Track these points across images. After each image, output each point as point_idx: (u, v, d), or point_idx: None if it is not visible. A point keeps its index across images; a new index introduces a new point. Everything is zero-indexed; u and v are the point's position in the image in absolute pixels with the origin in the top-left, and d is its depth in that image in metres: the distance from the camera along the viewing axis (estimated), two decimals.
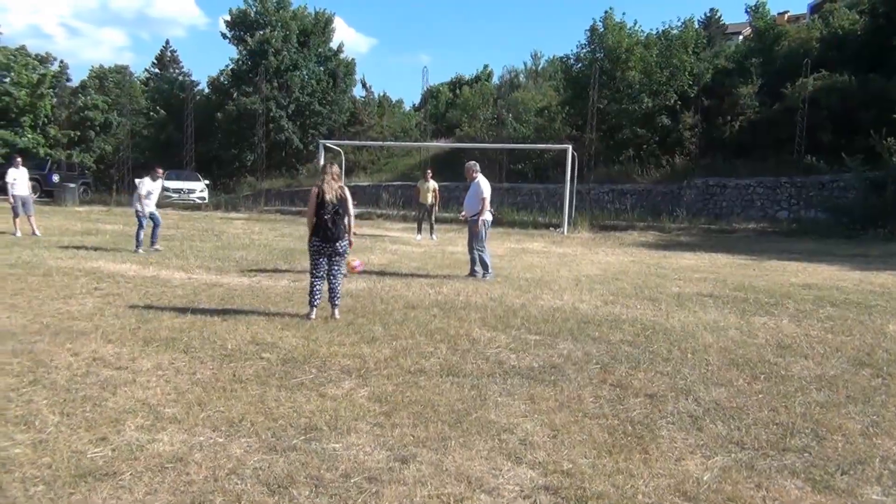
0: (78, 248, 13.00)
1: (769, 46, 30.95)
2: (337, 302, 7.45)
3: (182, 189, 31.13)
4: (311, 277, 7.35)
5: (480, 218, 10.78)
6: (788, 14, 45.81)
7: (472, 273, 10.88)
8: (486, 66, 54.11)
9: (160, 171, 13.50)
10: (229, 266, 11.28)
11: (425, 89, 39.78)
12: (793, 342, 6.75)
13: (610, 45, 30.18)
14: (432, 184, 17.89)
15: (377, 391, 4.95)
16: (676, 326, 7.40)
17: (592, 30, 31.38)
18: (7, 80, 44.29)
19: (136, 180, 13.54)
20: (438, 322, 7.32)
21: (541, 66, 46.83)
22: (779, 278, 11.36)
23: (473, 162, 11.43)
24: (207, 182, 34.06)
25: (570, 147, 21.53)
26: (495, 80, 50.17)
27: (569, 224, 20.91)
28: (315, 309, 7.34)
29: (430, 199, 17.91)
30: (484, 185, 10.94)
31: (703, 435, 4.28)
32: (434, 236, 17.80)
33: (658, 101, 29.07)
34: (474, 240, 10.87)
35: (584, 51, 31.97)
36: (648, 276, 11.45)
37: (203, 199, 31.28)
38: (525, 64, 48.45)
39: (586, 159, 26.77)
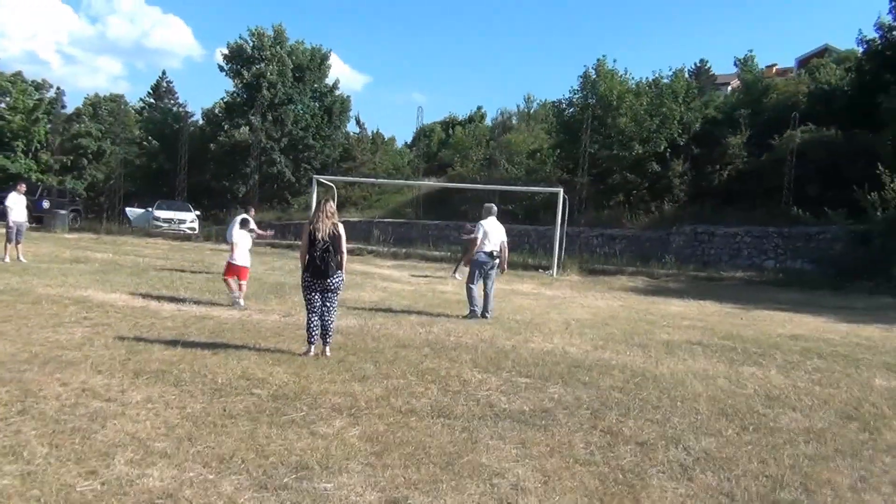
0: (67, 275, 12.93)
1: (758, 98, 31.60)
2: (329, 339, 7.44)
3: (173, 219, 31.13)
4: (307, 313, 7.35)
5: (473, 258, 11.02)
6: (777, 67, 46.69)
7: (471, 313, 10.94)
8: (479, 108, 54.98)
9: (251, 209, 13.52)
10: (220, 298, 11.25)
11: (419, 128, 40.19)
12: (781, 393, 6.79)
13: (602, 92, 30.70)
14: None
15: (368, 431, 4.94)
16: (666, 374, 7.43)
17: (585, 76, 31.95)
18: (2, 104, 44.36)
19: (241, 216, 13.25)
20: (429, 362, 7.33)
21: (533, 110, 47.40)
22: (766, 328, 11.44)
23: (490, 204, 11.55)
24: (198, 213, 34.08)
25: (561, 190, 21.73)
26: (488, 121, 50.76)
27: (558, 267, 21.00)
28: (312, 346, 7.33)
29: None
30: (485, 224, 11.08)
31: (694, 485, 4.29)
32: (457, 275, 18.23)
33: (648, 147, 29.49)
34: (468, 280, 11.06)
35: (577, 96, 32.52)
36: (638, 322, 11.51)
37: (193, 229, 31.28)
38: (518, 106, 49.06)
39: (577, 203, 27.04)
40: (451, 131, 49.82)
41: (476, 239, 11.04)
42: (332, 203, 7.60)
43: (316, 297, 7.30)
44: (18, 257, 14.96)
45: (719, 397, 6.49)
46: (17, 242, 15.13)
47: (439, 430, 5.07)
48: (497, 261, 11.20)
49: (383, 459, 4.40)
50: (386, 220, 34.14)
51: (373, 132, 50.82)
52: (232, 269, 11.03)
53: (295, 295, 12.16)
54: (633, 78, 31.91)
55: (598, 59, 32.06)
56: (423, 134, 48.24)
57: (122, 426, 4.73)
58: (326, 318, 7.37)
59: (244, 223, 11.60)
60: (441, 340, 8.68)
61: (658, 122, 29.58)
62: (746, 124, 29.32)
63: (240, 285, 10.99)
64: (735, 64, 39.66)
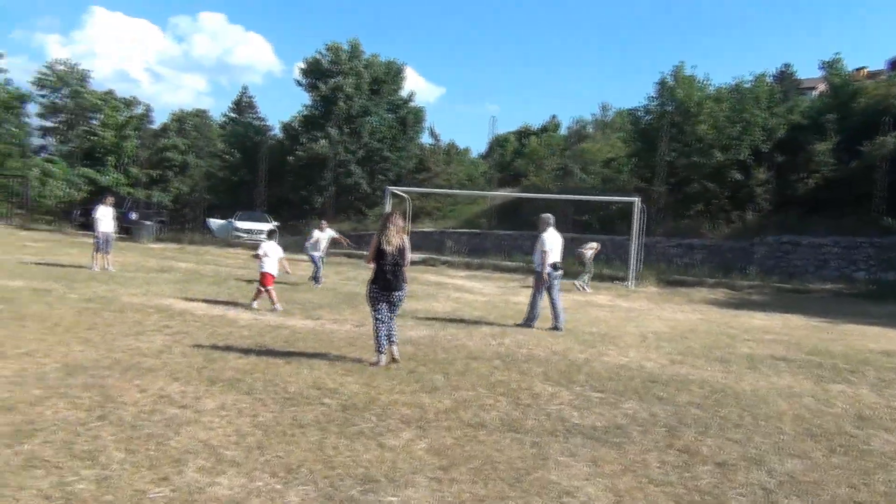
0: (150, 284, 13.38)
1: (846, 102, 30.19)
2: (394, 340, 7.50)
3: (252, 230, 31.92)
4: (376, 323, 7.39)
5: (543, 271, 10.87)
6: (866, 70, 44.62)
7: (526, 322, 10.96)
8: (553, 117, 54.34)
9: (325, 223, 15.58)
10: (294, 308, 11.43)
11: (492, 138, 40.13)
12: (873, 413, 6.40)
13: (680, 99, 29.96)
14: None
15: (436, 444, 4.88)
16: (748, 390, 7.12)
17: (662, 83, 31.26)
18: (96, 121, 46.66)
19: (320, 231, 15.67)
20: (500, 374, 7.23)
21: (609, 118, 46.71)
22: (857, 343, 10.87)
23: (547, 215, 11.37)
24: (277, 223, 34.86)
25: (637, 199, 21.30)
26: (563, 130, 50.26)
27: (635, 278, 20.55)
28: (383, 355, 7.34)
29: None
30: (548, 238, 10.93)
31: None
32: (585, 288, 18.66)
33: (729, 155, 28.57)
34: (535, 290, 11.00)
35: (654, 103, 31.84)
36: (718, 336, 11.11)
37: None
38: (593, 115, 48.45)
39: (654, 212, 26.41)
40: (524, 141, 49.58)
41: (546, 252, 10.86)
42: (400, 217, 7.67)
43: (384, 307, 7.37)
44: (106, 267, 15.57)
45: (805, 416, 6.16)
46: (106, 252, 15.75)
47: (508, 444, 4.97)
48: (560, 271, 11.17)
49: (450, 474, 4.33)
50: (459, 230, 34.14)
51: (447, 143, 51.08)
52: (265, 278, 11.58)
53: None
54: (712, 84, 31.06)
55: (675, 66, 31.37)
56: (496, 144, 48.17)
57: (195, 433, 4.80)
58: (391, 326, 7.45)
59: (271, 234, 12.56)
60: (512, 353, 8.56)
61: (740, 128, 28.66)
62: (834, 130, 28.06)
63: (258, 291, 11.56)
64: (821, 67, 38.01)
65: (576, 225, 30.28)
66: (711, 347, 9.82)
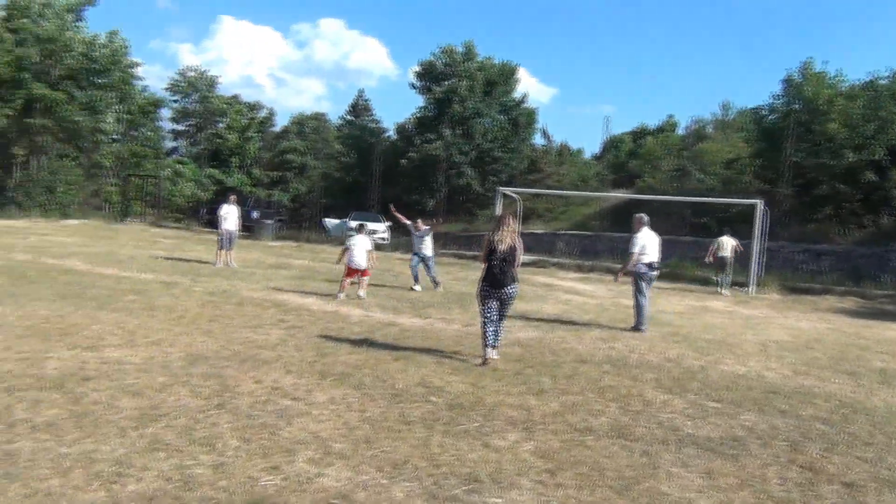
0: (269, 280, 13.91)
1: None
2: (497, 343, 7.52)
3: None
4: (484, 320, 7.42)
5: (634, 270, 10.85)
6: None
7: (636, 325, 10.76)
8: (670, 117, 52.72)
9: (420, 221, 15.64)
10: (404, 307, 11.58)
11: (606, 138, 39.39)
12: None
13: (808, 97, 28.42)
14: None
15: (542, 447, 4.80)
16: (880, 407, 6.62)
17: (788, 80, 29.76)
18: (222, 124, 49.17)
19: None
20: (610, 379, 7.05)
21: (730, 118, 44.81)
22: None
23: (641, 214, 11.27)
24: (389, 224, 35.52)
25: (760, 202, 20.32)
26: (680, 130, 48.68)
27: (756, 284, 19.61)
28: (489, 349, 7.37)
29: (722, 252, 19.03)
30: (641, 238, 10.81)
31: None
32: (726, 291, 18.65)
33: (863, 155, 26.82)
34: (635, 292, 10.90)
35: (779, 102, 30.34)
36: (847, 347, 10.42)
37: (384, 239, 32.62)
38: (713, 115, 46.51)
39: (778, 215, 25.13)
40: (640, 142, 48.39)
41: (633, 253, 10.77)
42: (513, 218, 7.80)
43: (493, 305, 7.40)
44: (229, 263, 16.31)
45: None
46: (229, 249, 16.50)
47: (617, 451, 4.82)
48: (657, 272, 11.03)
49: (556, 478, 4.24)
50: (571, 232, 33.70)
51: (559, 144, 50.56)
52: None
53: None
54: (845, 81, 29.26)
55: (803, 62, 29.74)
56: (611, 145, 47.24)
57: (306, 425, 4.93)
58: (499, 327, 7.52)
59: (360, 229, 13.21)
60: (623, 357, 8.34)
61: (874, 127, 26.86)
62: None
63: (344, 283, 12.36)
64: None
65: (693, 228, 29.26)
66: (839, 359, 9.22)
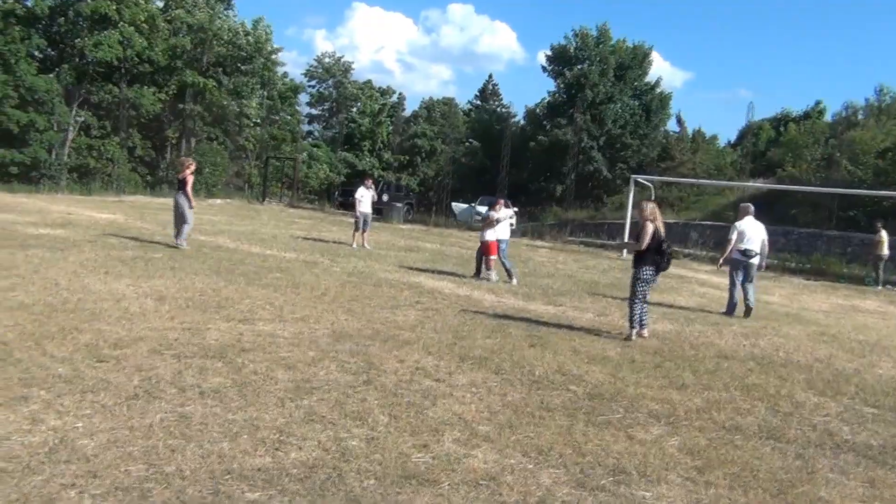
0: (402, 262, 14.26)
1: None
2: (629, 323, 8.22)
3: None
4: (635, 301, 8.04)
5: (730, 257, 11.32)
6: None
7: (728, 310, 11.17)
8: (818, 102, 49.45)
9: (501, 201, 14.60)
10: (535, 293, 11.58)
11: (746, 125, 37.56)
12: None
13: None
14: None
15: (689, 443, 4.70)
16: None
17: None
18: (354, 109, 50.66)
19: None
20: (755, 377, 6.78)
21: (886, 103, 41.54)
22: None
23: (746, 204, 11.91)
24: (516, 209, 35.48)
25: None
26: (828, 117, 45.64)
27: None
28: (634, 330, 8.08)
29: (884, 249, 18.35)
30: (740, 226, 11.25)
31: None
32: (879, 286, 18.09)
33: None
34: (729, 278, 11.40)
35: None
36: None
37: (512, 225, 32.63)
38: (867, 100, 43.18)
39: None
40: (782, 129, 45.79)
41: (730, 240, 11.26)
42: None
43: (648, 288, 8.23)
44: (364, 244, 16.83)
45: None
46: (364, 231, 17.03)
47: (769, 453, 4.65)
48: (754, 259, 11.20)
49: (706, 476, 4.14)
50: (704, 222, 32.41)
51: (693, 131, 48.70)
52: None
53: (609, 294, 12.11)
54: None
55: None
56: (749, 132, 45.00)
57: (449, 406, 5.05)
58: (645, 308, 8.21)
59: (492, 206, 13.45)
60: (768, 355, 8.00)
61: None
62: None
63: (489, 261, 12.68)
64: None
65: (840, 221, 27.49)
66: None
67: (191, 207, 13.22)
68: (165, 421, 4.27)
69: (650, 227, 8.05)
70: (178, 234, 13.16)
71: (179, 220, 13.18)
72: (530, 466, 4.07)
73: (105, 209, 20.68)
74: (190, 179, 13.52)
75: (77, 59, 31.06)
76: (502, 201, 14.11)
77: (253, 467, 3.73)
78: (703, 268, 20.57)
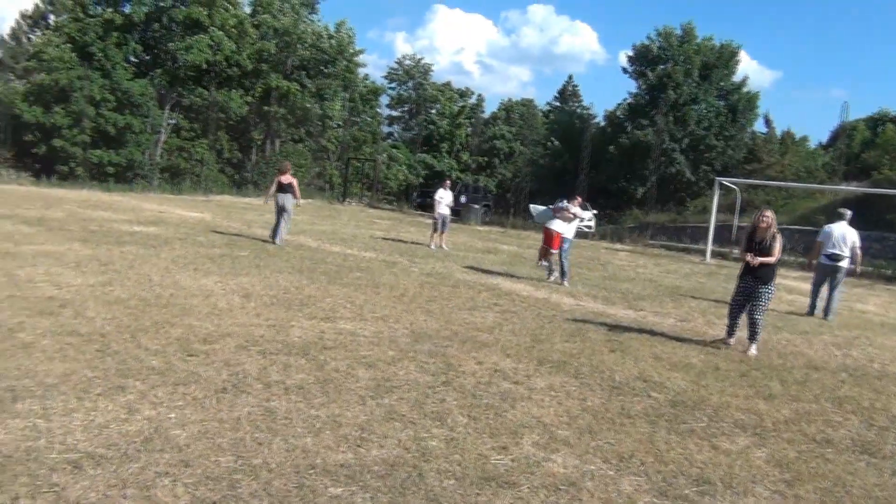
0: (480, 264, 14.28)
1: None
2: (756, 339, 7.81)
3: None
4: (761, 316, 7.83)
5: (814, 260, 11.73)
6: None
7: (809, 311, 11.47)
8: None
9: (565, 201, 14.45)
10: (615, 297, 11.41)
11: (839, 126, 36.02)
12: None
13: None
14: None
15: (777, 455, 4.55)
16: None
17: None
18: (434, 111, 51.05)
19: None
20: (848, 389, 6.51)
21: None
22: None
23: (842, 209, 11.86)
24: (595, 212, 35.00)
25: None
26: None
27: None
28: (732, 337, 8.06)
29: None
30: (826, 229, 11.50)
31: None
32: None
33: None
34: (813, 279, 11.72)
35: None
36: None
37: (590, 227, 32.20)
38: None
39: None
40: (878, 129, 43.72)
41: (817, 243, 11.53)
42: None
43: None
44: (441, 245, 16.94)
45: None
46: (442, 232, 17.14)
47: (863, 468, 4.46)
48: (840, 263, 11.19)
49: (795, 489, 4.00)
50: (793, 227, 31.15)
51: (782, 132, 46.99)
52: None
53: (692, 300, 11.84)
54: None
55: None
56: (843, 132, 43.14)
57: (528, 409, 5.03)
58: (755, 316, 7.80)
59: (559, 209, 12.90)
60: (862, 366, 7.66)
61: None
62: None
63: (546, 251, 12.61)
64: None
65: None
66: None
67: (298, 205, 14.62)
68: (252, 415, 4.41)
69: (781, 239, 7.92)
70: (275, 234, 14.06)
71: (284, 220, 14.04)
72: (611, 473, 4.02)
73: (194, 208, 21.52)
74: (295, 181, 14.62)
75: (169, 64, 32.43)
76: (580, 199, 13.74)
77: (336, 463, 3.81)
78: (791, 274, 19.83)
